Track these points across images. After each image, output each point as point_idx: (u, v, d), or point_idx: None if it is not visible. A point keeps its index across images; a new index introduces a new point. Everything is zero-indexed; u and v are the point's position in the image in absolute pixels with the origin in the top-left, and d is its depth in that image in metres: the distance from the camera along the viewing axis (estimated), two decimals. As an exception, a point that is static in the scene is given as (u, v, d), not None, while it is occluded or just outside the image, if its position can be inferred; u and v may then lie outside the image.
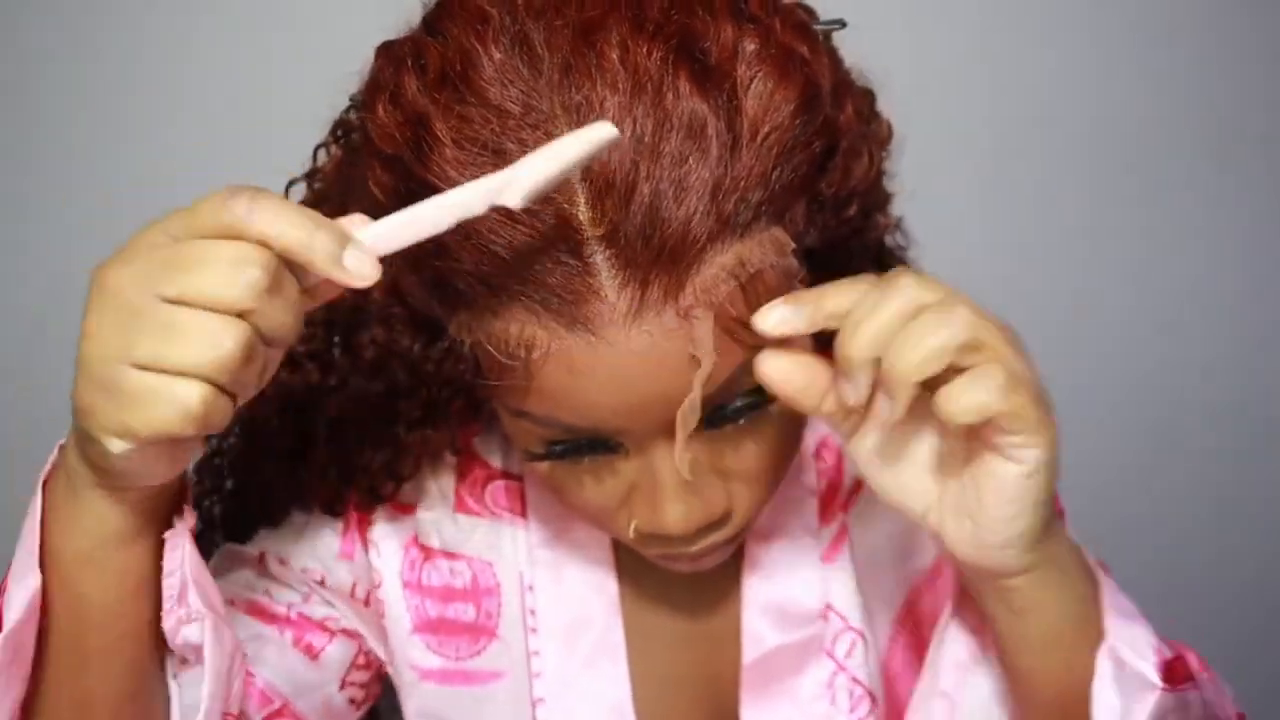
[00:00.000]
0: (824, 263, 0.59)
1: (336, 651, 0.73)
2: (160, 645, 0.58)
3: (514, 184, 0.48)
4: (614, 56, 0.51)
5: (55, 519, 0.53)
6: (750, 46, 0.54)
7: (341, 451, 0.69)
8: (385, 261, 0.49)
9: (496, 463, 0.75)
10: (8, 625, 0.53)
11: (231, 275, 0.45)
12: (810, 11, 0.63)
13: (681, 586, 0.75)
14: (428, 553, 0.74)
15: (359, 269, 0.47)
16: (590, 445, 0.58)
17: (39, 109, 0.95)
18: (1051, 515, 0.55)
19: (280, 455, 0.72)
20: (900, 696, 0.74)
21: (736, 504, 0.62)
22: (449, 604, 0.74)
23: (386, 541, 0.73)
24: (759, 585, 0.73)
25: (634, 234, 0.51)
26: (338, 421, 0.68)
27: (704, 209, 0.52)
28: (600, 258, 0.51)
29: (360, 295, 0.59)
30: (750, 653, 0.73)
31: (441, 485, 0.75)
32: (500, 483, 0.75)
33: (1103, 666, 0.57)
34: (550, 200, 0.51)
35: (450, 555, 0.74)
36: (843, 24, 0.65)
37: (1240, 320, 1.14)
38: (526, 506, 0.74)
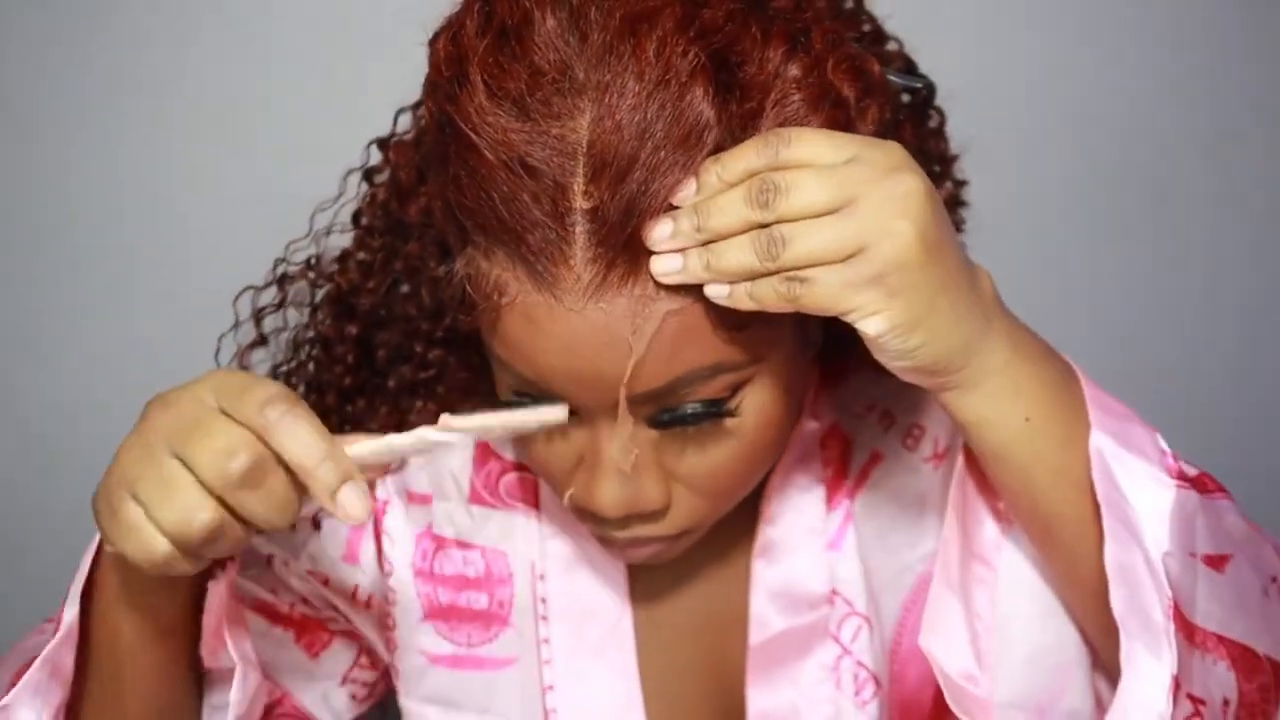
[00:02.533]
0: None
1: (337, 651, 0.78)
2: (194, 666, 0.64)
3: (460, 432, 0.56)
4: (650, 49, 0.54)
5: (102, 563, 0.60)
6: (793, 72, 0.56)
7: (369, 377, 0.75)
8: (424, 184, 0.62)
9: (510, 455, 0.77)
10: (46, 649, 0.59)
11: (218, 461, 0.51)
12: (907, 64, 0.67)
13: (691, 574, 0.76)
14: (440, 542, 0.76)
15: (349, 506, 0.52)
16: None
17: (39, 108, 0.97)
18: (961, 344, 0.55)
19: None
20: (909, 681, 0.75)
21: (677, 507, 0.63)
22: (461, 592, 0.75)
23: (400, 531, 0.76)
24: (767, 569, 0.74)
25: (614, 216, 0.54)
26: (365, 340, 0.73)
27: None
28: (579, 229, 0.54)
29: (404, 211, 0.68)
30: (756, 636, 0.74)
31: (457, 476, 0.77)
32: (514, 474, 0.77)
33: (1095, 459, 0.57)
34: (551, 165, 0.54)
35: (464, 545, 0.76)
36: (926, 86, 0.67)
37: (1241, 321, 1.13)
38: (539, 497, 0.76)
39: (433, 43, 0.61)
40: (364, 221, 0.73)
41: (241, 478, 0.51)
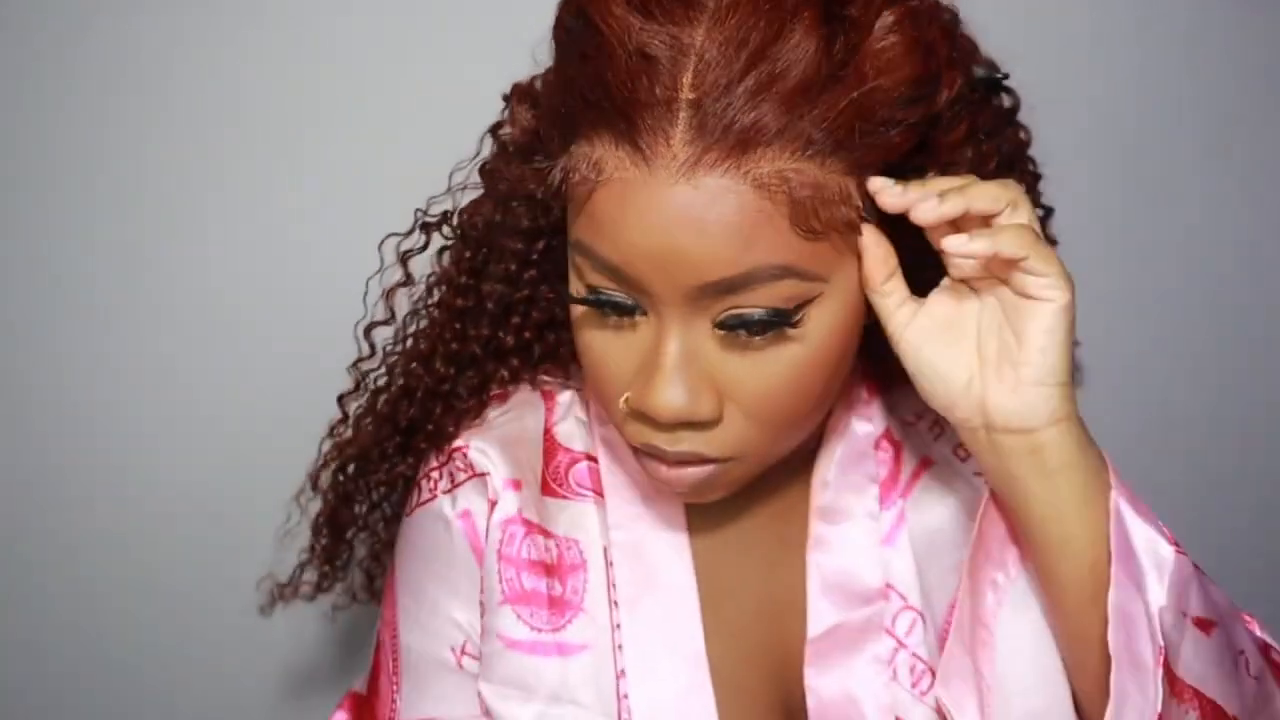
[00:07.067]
0: (898, 233, 0.66)
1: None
2: None
3: None
4: None
5: None
6: (890, 19, 0.63)
7: (477, 302, 0.79)
8: (537, 107, 0.73)
9: (578, 447, 0.80)
10: None
11: None
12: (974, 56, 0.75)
13: (755, 563, 0.79)
14: (529, 527, 0.77)
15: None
16: (616, 304, 0.65)
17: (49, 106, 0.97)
18: (1070, 371, 0.64)
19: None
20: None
21: (728, 426, 0.67)
22: (540, 578, 0.77)
23: (497, 512, 0.77)
24: (822, 562, 0.77)
25: (715, 112, 0.60)
26: (478, 271, 0.78)
27: (777, 114, 0.61)
28: (682, 114, 0.60)
29: (514, 126, 0.76)
30: (814, 628, 0.76)
31: (533, 467, 0.79)
32: (584, 464, 0.79)
33: (1114, 514, 0.64)
34: (666, 56, 0.60)
35: (545, 533, 0.77)
36: (1000, 80, 0.74)
37: (1240, 319, 1.15)
38: (602, 485, 0.78)
39: None
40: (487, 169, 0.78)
41: None
